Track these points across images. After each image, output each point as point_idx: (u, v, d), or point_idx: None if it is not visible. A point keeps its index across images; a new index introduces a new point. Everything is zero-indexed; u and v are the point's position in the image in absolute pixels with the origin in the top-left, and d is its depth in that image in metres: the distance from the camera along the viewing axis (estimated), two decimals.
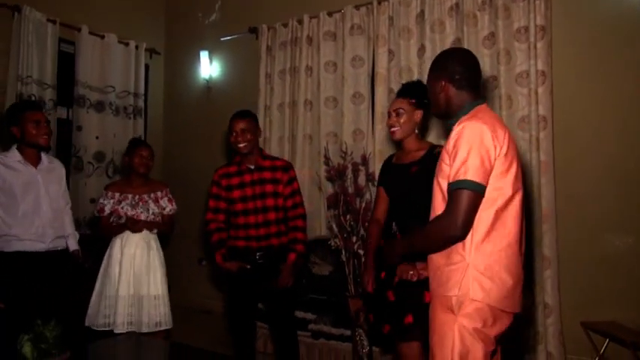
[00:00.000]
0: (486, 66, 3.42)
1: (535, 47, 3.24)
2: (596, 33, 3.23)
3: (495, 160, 1.62)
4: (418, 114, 2.32)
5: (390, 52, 3.79)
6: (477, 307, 1.59)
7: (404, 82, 3.01)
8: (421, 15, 3.65)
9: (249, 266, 2.67)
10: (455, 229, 1.60)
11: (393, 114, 2.34)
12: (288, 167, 2.83)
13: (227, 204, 2.77)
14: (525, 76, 3.29)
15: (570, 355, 3.20)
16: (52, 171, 2.74)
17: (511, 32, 3.35)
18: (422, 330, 1.97)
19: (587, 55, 3.26)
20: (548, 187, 3.22)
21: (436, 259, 1.73)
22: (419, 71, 3.61)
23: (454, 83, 1.78)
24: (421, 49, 3.63)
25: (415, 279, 2.07)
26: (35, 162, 2.64)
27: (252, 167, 2.74)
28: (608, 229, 3.17)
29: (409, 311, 2.14)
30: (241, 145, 2.71)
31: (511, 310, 1.66)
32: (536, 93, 3.24)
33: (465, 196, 1.59)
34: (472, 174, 1.59)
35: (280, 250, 2.71)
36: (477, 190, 1.60)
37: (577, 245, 3.23)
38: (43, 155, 2.72)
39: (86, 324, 2.83)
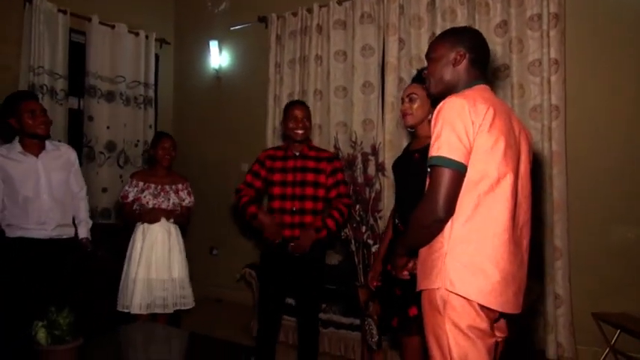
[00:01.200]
0: (498, 54, 3.38)
1: (548, 35, 3.19)
2: (611, 21, 3.17)
3: (475, 136, 1.48)
4: (430, 100, 2.27)
5: (401, 40, 3.76)
6: (461, 303, 1.47)
7: (414, 71, 2.97)
8: (432, 3, 3.60)
9: (279, 240, 2.65)
10: (435, 210, 1.46)
11: (407, 100, 2.29)
12: (332, 158, 2.82)
13: (263, 185, 2.79)
14: (538, 65, 3.25)
15: (580, 346, 3.19)
16: (57, 158, 2.75)
17: (524, 20, 3.30)
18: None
19: (601, 44, 3.21)
20: (560, 178, 3.19)
21: (423, 249, 1.61)
22: None
23: (470, 58, 1.65)
24: (432, 38, 3.59)
25: (408, 277, 1.97)
26: (37, 151, 2.65)
27: (297, 154, 2.74)
28: (620, 220, 3.14)
29: (413, 303, 2.13)
30: (300, 132, 2.72)
31: (499, 309, 1.50)
32: (549, 82, 3.20)
33: (442, 173, 1.46)
34: (447, 150, 1.46)
35: (316, 244, 2.68)
36: (455, 168, 1.46)
37: (588, 236, 3.21)
38: (48, 143, 2.73)
39: (117, 307, 2.93)
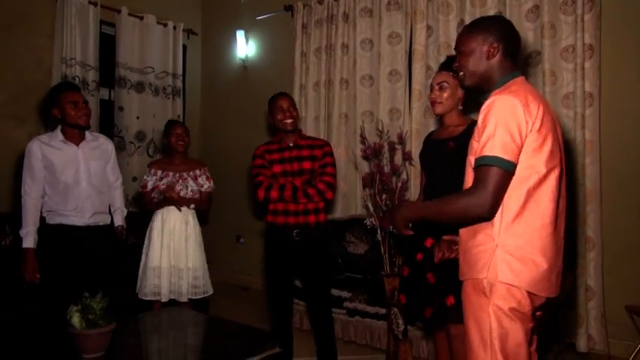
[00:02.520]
0: (529, 40, 3.29)
1: (582, 20, 3.09)
2: None
3: (527, 136, 1.50)
4: (462, 89, 2.21)
5: (429, 27, 3.70)
6: (508, 289, 1.51)
7: (442, 58, 2.92)
8: None
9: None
10: (482, 209, 1.49)
11: (436, 87, 2.25)
12: (324, 144, 2.87)
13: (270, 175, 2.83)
14: (571, 51, 3.15)
15: (613, 339, 3.12)
16: (96, 148, 2.82)
17: (556, 4, 3.20)
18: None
19: (637, 28, 3.08)
20: (593, 167, 3.10)
21: (465, 239, 1.64)
22: None
23: (502, 49, 1.64)
24: (461, 24, 3.52)
25: (411, 232, 1.85)
26: (78, 141, 2.74)
27: (292, 145, 2.78)
28: None
29: (450, 292, 2.11)
30: (289, 122, 2.78)
31: (545, 295, 1.56)
32: (583, 68, 3.10)
33: (494, 173, 1.48)
34: (500, 150, 1.47)
35: (317, 229, 2.74)
36: (506, 168, 1.48)
37: (622, 227, 3.12)
38: (88, 133, 2.80)
39: (138, 294, 3.01)
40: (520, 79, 1.64)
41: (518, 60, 1.73)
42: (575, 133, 3.12)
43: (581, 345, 3.12)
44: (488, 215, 1.52)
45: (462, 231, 1.67)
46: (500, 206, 1.53)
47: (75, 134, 2.72)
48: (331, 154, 2.85)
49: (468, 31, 1.71)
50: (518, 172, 1.51)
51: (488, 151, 1.49)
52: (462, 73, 1.74)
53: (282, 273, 2.80)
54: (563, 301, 3.16)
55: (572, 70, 3.15)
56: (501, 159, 1.48)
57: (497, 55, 1.64)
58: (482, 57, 1.65)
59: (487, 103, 1.55)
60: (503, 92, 1.56)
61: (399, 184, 3.30)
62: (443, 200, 1.63)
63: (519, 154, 1.51)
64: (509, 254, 1.52)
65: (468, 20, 3.46)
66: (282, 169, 2.77)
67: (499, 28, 1.65)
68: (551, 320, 2.93)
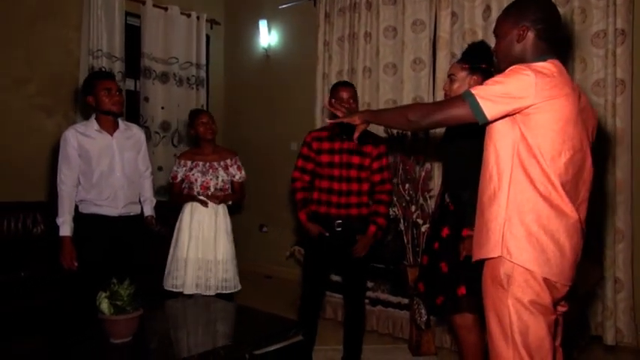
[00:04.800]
0: None
1: (615, 4, 2.99)
2: None
3: (529, 111, 1.48)
4: (472, 80, 2.17)
5: (454, 14, 3.63)
6: (525, 278, 1.49)
7: (467, 46, 2.87)
8: None
9: (327, 234, 2.72)
10: (421, 118, 1.59)
11: (448, 80, 2.27)
12: (379, 142, 2.81)
13: (314, 166, 2.82)
14: (602, 36, 3.06)
15: None
16: (129, 137, 2.85)
17: None
18: (477, 302, 1.93)
19: None
20: (624, 156, 3.02)
21: (479, 219, 1.62)
22: (484, 34, 3.44)
23: (536, 32, 1.59)
24: (486, 11, 3.45)
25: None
26: (112, 129, 2.77)
27: (345, 136, 2.74)
28: None
29: (463, 283, 2.11)
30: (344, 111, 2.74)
31: (559, 281, 1.52)
32: (614, 54, 3.01)
33: (457, 101, 1.55)
34: (482, 94, 1.50)
35: (359, 221, 2.72)
36: (473, 109, 1.50)
37: None
38: (121, 122, 2.84)
39: (165, 285, 3.01)
40: (550, 61, 1.57)
41: (555, 42, 1.67)
42: (606, 121, 3.03)
43: (609, 338, 3.07)
44: (412, 125, 1.66)
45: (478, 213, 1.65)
46: (508, 180, 1.53)
47: (109, 123, 2.75)
48: (386, 155, 2.81)
49: (503, 15, 1.70)
50: (526, 148, 1.50)
51: (473, 90, 1.53)
52: (497, 58, 1.73)
53: (320, 263, 2.80)
54: (589, 293, 3.11)
55: (603, 56, 3.05)
56: (474, 98, 1.51)
57: (528, 37, 1.61)
58: (513, 40, 1.63)
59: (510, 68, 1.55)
60: (527, 66, 1.53)
61: (423, 174, 3.28)
62: (404, 109, 1.75)
63: (502, 115, 1.51)
64: (515, 231, 1.51)
65: (494, 6, 3.39)
66: (329, 159, 2.74)
67: (534, 10, 1.61)
68: (578, 314, 2.88)
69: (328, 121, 1.81)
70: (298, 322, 2.65)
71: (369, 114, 1.90)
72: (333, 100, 1.86)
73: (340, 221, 2.70)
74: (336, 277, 3.46)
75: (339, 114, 1.88)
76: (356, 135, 1.87)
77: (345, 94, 2.70)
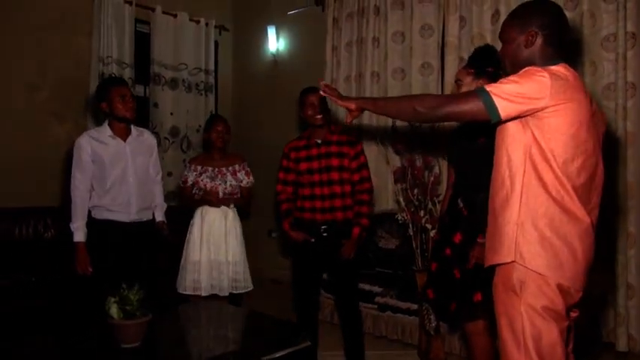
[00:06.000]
0: None
1: (625, 7, 2.96)
2: None
3: (543, 114, 1.46)
4: (479, 84, 2.12)
5: (462, 19, 3.63)
6: (538, 284, 1.47)
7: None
8: None
9: (313, 240, 2.75)
10: (430, 108, 1.55)
11: (455, 85, 2.28)
12: (354, 142, 2.84)
13: (295, 176, 2.87)
14: (612, 40, 3.03)
15: None
16: (141, 143, 2.87)
17: None
18: (489, 308, 1.91)
19: None
20: (635, 160, 2.99)
21: (491, 224, 1.60)
22: (492, 38, 3.42)
23: (544, 37, 1.58)
24: (495, 15, 3.44)
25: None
26: (125, 135, 2.79)
27: (320, 142, 2.79)
28: None
29: (479, 289, 2.09)
30: (318, 117, 2.77)
31: (572, 286, 1.51)
32: (625, 58, 2.98)
33: (473, 98, 1.50)
34: (497, 92, 1.47)
35: (344, 224, 2.75)
36: (487, 106, 1.47)
37: None
38: (133, 128, 2.86)
39: (178, 289, 3.05)
40: (562, 65, 1.56)
41: (563, 47, 1.65)
42: (617, 125, 3.01)
43: (621, 345, 3.02)
44: (421, 117, 1.60)
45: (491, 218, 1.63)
46: (521, 184, 1.51)
47: (122, 128, 2.78)
48: (363, 153, 2.84)
49: (509, 19, 1.69)
50: (539, 152, 1.49)
51: (488, 87, 1.50)
52: (503, 62, 1.71)
53: (308, 267, 2.82)
54: (601, 299, 3.07)
55: (614, 60, 3.03)
56: (489, 95, 1.47)
57: (536, 42, 1.59)
58: (521, 45, 1.62)
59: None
60: (544, 69, 1.52)
61: (432, 179, 3.27)
62: (408, 99, 1.69)
63: (516, 114, 1.49)
64: (529, 235, 1.49)
65: (502, 10, 3.38)
66: (308, 166, 2.79)
67: (541, 15, 1.60)
68: (589, 320, 2.84)
69: (322, 93, 1.80)
70: (300, 325, 2.66)
71: (367, 101, 1.83)
72: (323, 83, 1.86)
73: (325, 227, 2.74)
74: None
75: (333, 98, 1.84)
76: (349, 120, 1.83)
77: (315, 99, 2.77)
